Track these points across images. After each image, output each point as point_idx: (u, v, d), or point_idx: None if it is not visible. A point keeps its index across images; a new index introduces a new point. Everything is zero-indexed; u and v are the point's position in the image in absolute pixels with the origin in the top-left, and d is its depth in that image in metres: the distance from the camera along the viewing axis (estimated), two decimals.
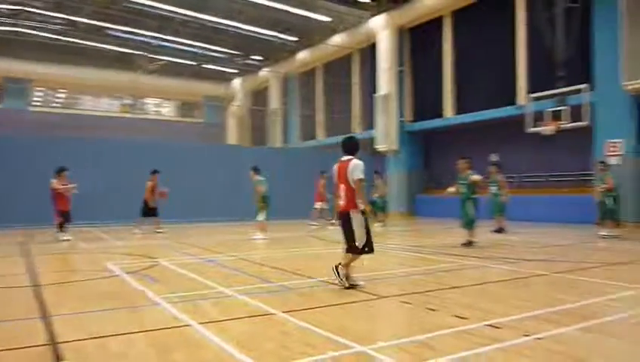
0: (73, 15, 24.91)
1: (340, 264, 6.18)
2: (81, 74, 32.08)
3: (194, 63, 32.84)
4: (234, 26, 26.39)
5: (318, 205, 17.50)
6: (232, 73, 36.17)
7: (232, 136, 36.88)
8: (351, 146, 6.49)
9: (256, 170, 13.37)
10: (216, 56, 32.33)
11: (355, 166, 6.12)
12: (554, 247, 10.78)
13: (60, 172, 12.68)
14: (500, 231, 13.93)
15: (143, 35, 27.80)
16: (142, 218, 14.83)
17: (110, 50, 29.39)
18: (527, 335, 4.07)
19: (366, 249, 6.19)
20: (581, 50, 17.03)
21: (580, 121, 15.32)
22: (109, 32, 27.29)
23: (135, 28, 26.69)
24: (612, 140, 16.19)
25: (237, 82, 37.06)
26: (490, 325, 4.40)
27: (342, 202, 6.21)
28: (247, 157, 21.07)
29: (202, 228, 16.95)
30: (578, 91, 15.50)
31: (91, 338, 4.15)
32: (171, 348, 3.90)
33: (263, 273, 7.52)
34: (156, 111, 40.58)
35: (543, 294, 5.87)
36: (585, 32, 16.78)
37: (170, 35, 27.71)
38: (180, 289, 6.13)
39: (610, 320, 4.67)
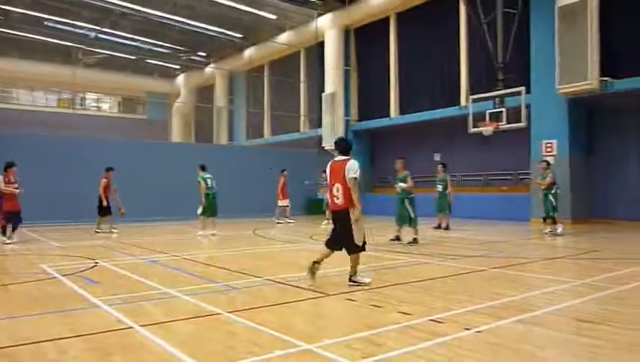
0: (6, 4, 23.62)
1: (351, 276, 6.33)
2: (15, 67, 30.51)
3: (135, 58, 31.88)
4: (178, 21, 25.81)
5: (281, 203, 17.60)
6: (176, 69, 35.40)
7: (177, 134, 36.09)
8: (345, 146, 6.70)
9: (203, 168, 13.38)
10: (160, 52, 31.54)
11: (352, 165, 6.28)
12: (493, 244, 11.20)
13: (7, 168, 11.62)
14: (439, 227, 14.49)
15: (79, 27, 26.73)
16: (100, 217, 14.35)
17: (46, 41, 28.05)
18: (467, 329, 4.21)
19: (365, 246, 6.40)
20: (519, 54, 17.76)
21: (518, 122, 15.96)
22: (45, 22, 26.05)
23: (71, 19, 25.61)
24: (547, 141, 17.00)
25: (181, 78, 36.30)
26: (433, 320, 4.52)
27: (338, 201, 6.33)
28: (191, 154, 20.68)
29: (144, 227, 16.49)
30: (516, 94, 16.14)
31: (26, 344, 3.95)
32: (112, 351, 3.77)
33: (208, 273, 7.41)
34: (96, 106, 39.15)
35: (482, 289, 6.09)
36: (523, 37, 17.51)
37: (108, 27, 26.79)
38: (121, 291, 5.93)
39: (544, 312, 4.90)
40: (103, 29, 27.13)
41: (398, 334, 4.14)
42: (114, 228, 14.40)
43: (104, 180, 14.41)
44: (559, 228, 12.83)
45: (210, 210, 13.27)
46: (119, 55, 31.04)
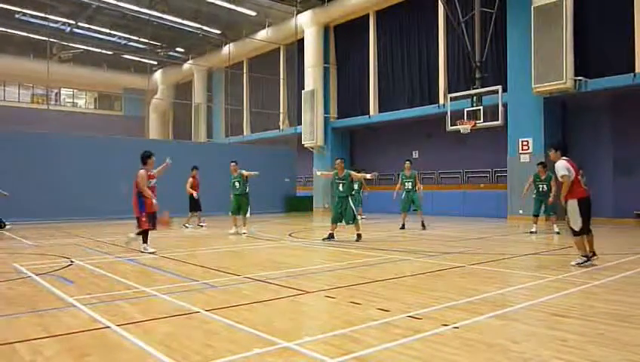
0: None
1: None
2: None
3: (112, 53, 31.41)
4: (155, 16, 25.50)
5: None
6: (153, 65, 34.98)
7: (154, 130, 35.69)
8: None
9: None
10: (137, 47, 31.12)
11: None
12: (470, 240, 11.33)
13: None
14: (404, 227, 14.20)
15: (54, 21, 26.20)
16: (191, 213, 15.12)
17: (19, 35, 27.44)
18: (445, 325, 4.25)
19: None
20: (497, 54, 18.01)
21: (495, 120, 16.18)
22: (18, 16, 25.47)
23: (46, 13, 25.08)
24: (523, 139, 17.28)
25: (159, 74, 35.89)
26: (411, 316, 4.56)
27: None
28: (169, 152, 20.47)
29: (120, 225, 16.27)
30: (493, 92, 16.36)
31: None
32: (87, 352, 3.72)
33: (186, 271, 7.35)
34: (72, 102, 38.45)
35: (460, 285, 6.16)
36: (500, 37, 17.76)
37: (84, 21, 26.31)
38: (97, 290, 5.85)
39: (520, 307, 4.99)
40: (79, 24, 26.65)
41: (377, 330, 4.17)
42: (201, 223, 15.22)
43: (191, 179, 14.96)
44: (535, 227, 12.99)
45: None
46: (95, 50, 30.54)
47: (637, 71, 14.92)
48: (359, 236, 11.20)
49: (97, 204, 17.86)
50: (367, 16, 23.32)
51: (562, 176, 7.38)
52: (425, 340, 3.88)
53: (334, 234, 11.36)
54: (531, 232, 12.74)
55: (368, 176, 11.72)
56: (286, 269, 7.35)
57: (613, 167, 16.01)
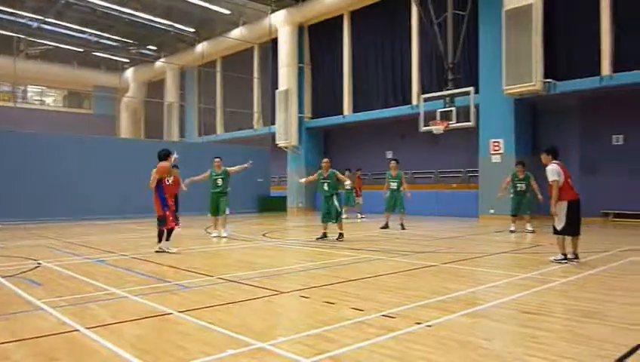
0: None
1: None
2: None
3: (82, 50, 30.78)
4: (126, 13, 25.08)
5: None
6: (125, 63, 34.41)
7: (125, 129, 35.09)
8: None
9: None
10: (108, 44, 30.57)
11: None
12: (443, 240, 11.47)
13: None
14: (385, 225, 14.22)
15: (21, 16, 25.54)
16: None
17: None
18: (418, 323, 4.29)
19: None
20: (469, 55, 18.27)
21: (467, 121, 16.40)
22: None
23: (13, 8, 24.44)
24: (494, 139, 17.57)
25: (130, 72, 35.32)
26: (385, 315, 4.58)
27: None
28: (141, 151, 20.16)
29: (90, 226, 15.98)
30: (465, 93, 16.58)
31: None
32: (56, 356, 3.63)
33: (158, 272, 7.24)
34: (40, 100, 37.54)
35: (433, 284, 6.22)
36: (472, 39, 18.01)
37: (52, 17, 25.73)
38: (65, 293, 5.72)
39: (491, 305, 5.07)
40: (47, 19, 26.03)
41: (351, 330, 4.18)
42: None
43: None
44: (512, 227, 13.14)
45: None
46: (64, 47, 29.87)
47: (603, 74, 15.33)
48: (341, 235, 11.25)
49: (66, 204, 17.48)
50: (341, 17, 23.38)
51: (552, 181, 7.59)
52: (399, 339, 3.91)
53: (327, 234, 11.41)
54: (511, 231, 12.83)
55: (347, 185, 12.14)
56: (260, 269, 7.32)
57: (579, 166, 16.40)
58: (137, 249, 9.90)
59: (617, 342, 3.81)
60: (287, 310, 5.21)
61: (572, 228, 7.60)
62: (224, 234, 12.08)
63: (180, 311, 4.77)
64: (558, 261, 7.62)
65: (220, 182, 12.12)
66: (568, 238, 7.69)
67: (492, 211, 17.35)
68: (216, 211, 12.25)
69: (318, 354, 3.55)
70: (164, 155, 9.39)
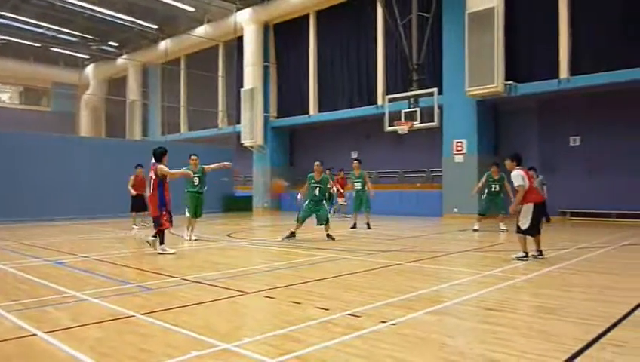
0: None
1: None
2: None
3: (40, 45, 29.83)
4: (86, 7, 24.41)
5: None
6: (85, 59, 33.51)
7: (85, 127, 34.20)
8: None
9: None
10: (67, 39, 29.70)
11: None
12: (407, 239, 11.61)
13: None
14: (355, 226, 14.19)
15: None
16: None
17: None
18: (383, 322, 4.33)
19: None
20: (433, 57, 18.55)
21: (431, 121, 16.64)
22: None
23: None
24: (458, 140, 17.90)
25: (90, 69, 34.44)
26: (350, 314, 4.60)
27: None
28: (102, 150, 19.70)
29: (48, 227, 15.49)
30: (429, 94, 16.82)
31: None
32: None
33: (120, 274, 7.08)
34: None
35: (398, 283, 6.29)
36: (436, 41, 18.29)
37: (8, 11, 24.84)
38: (22, 296, 5.53)
39: (454, 302, 5.15)
40: (2, 13, 25.10)
41: (317, 329, 4.18)
42: (144, 224, 14.51)
43: (132, 177, 14.51)
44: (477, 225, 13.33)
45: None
46: (20, 41, 28.86)
47: (561, 77, 15.81)
48: (330, 236, 11.28)
49: (23, 205, 16.90)
50: (307, 16, 23.37)
51: (519, 186, 7.89)
52: (364, 337, 3.93)
53: (296, 233, 11.31)
54: (474, 230, 13.03)
55: (332, 190, 12.39)
56: (225, 270, 7.24)
57: (539, 166, 16.85)
58: (99, 250, 9.65)
59: (576, 336, 3.93)
60: (252, 310, 5.18)
61: (535, 229, 7.94)
62: (194, 237, 11.50)
63: (142, 313, 4.67)
64: (519, 258, 7.87)
65: (196, 180, 11.28)
66: (530, 237, 7.96)
67: (456, 210, 17.68)
68: (196, 212, 11.45)
69: (284, 354, 3.53)
70: (160, 153, 9.03)
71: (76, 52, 31.78)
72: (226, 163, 11.78)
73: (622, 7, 15.04)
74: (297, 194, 11.85)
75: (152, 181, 9.02)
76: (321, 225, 11.42)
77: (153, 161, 9.08)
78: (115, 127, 34.58)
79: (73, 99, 35.16)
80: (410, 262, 7.85)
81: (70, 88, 34.61)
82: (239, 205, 23.63)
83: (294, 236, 11.27)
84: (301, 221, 11.33)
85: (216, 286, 6.05)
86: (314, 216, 11.35)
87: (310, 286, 6.05)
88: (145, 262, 8.12)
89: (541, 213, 8.12)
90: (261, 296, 5.55)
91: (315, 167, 11.49)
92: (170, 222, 9.16)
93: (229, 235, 12.70)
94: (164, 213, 8.97)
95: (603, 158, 16.38)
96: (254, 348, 3.69)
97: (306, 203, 11.36)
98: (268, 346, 3.74)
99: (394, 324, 4.28)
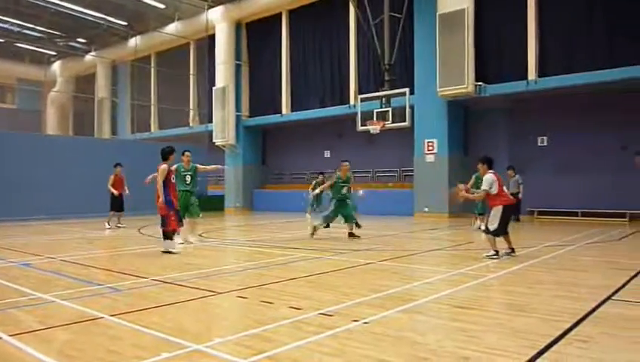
0: None
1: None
2: None
3: (3, 41, 28.97)
4: (52, 3, 23.82)
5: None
6: (51, 55, 32.70)
7: (52, 125, 33.38)
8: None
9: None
10: (33, 35, 28.93)
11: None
12: (379, 238, 11.69)
13: None
14: (327, 225, 14.16)
15: None
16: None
17: None
18: (355, 321, 4.35)
19: None
20: (405, 57, 18.71)
21: (403, 121, 16.78)
22: None
23: None
24: (429, 140, 18.10)
25: (57, 66, 33.63)
26: (322, 314, 4.61)
27: None
28: (69, 148, 19.26)
29: (13, 227, 15.07)
30: (401, 94, 16.95)
31: None
32: None
33: (88, 275, 6.94)
34: None
35: (369, 281, 6.33)
36: (408, 41, 18.46)
37: None
38: None
39: (425, 301, 5.21)
40: None
41: (289, 329, 4.18)
42: (120, 225, 14.68)
43: (112, 177, 14.43)
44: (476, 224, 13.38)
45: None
46: None
47: (530, 78, 16.15)
48: (352, 234, 11.38)
49: None
50: (279, 15, 23.29)
51: (483, 190, 8.15)
52: (336, 336, 3.94)
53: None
54: (479, 228, 12.99)
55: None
56: (196, 270, 7.17)
57: (508, 166, 17.19)
58: (66, 251, 9.43)
59: (543, 332, 4.02)
60: (223, 311, 5.14)
61: (503, 230, 8.15)
62: (191, 240, 10.56)
63: (111, 315, 4.59)
64: (490, 257, 8.01)
65: (188, 179, 10.69)
66: (499, 237, 8.14)
67: (426, 209, 17.89)
68: (184, 212, 10.33)
69: (256, 354, 3.52)
70: (167, 152, 8.88)
71: (42, 48, 31.00)
72: (220, 166, 11.84)
73: (588, 9, 15.44)
74: (313, 191, 12.68)
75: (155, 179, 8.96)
76: (349, 223, 11.45)
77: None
78: (83, 126, 33.86)
79: (39, 97, 34.26)
80: (381, 261, 7.91)
81: (36, 85, 33.72)
82: (211, 205, 23.38)
83: (317, 230, 11.52)
84: (331, 220, 11.54)
85: (187, 286, 5.98)
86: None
87: (283, 285, 6.04)
88: (115, 263, 7.97)
89: (510, 214, 8.38)
90: (233, 296, 5.51)
91: (342, 166, 11.70)
92: (179, 222, 9.03)
93: (200, 235, 12.57)
94: (172, 212, 8.85)
95: (570, 158, 16.80)
96: (225, 348, 3.67)
97: (333, 202, 11.45)
98: (239, 346, 3.72)
99: (366, 323, 4.30)
